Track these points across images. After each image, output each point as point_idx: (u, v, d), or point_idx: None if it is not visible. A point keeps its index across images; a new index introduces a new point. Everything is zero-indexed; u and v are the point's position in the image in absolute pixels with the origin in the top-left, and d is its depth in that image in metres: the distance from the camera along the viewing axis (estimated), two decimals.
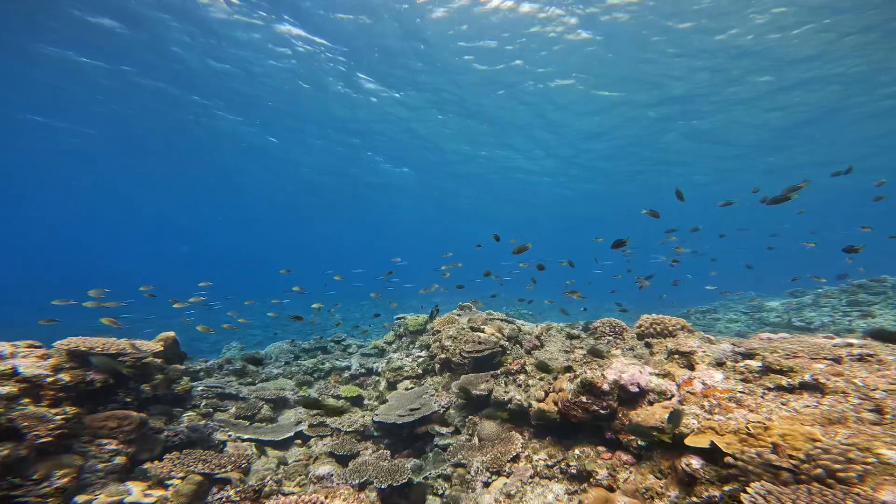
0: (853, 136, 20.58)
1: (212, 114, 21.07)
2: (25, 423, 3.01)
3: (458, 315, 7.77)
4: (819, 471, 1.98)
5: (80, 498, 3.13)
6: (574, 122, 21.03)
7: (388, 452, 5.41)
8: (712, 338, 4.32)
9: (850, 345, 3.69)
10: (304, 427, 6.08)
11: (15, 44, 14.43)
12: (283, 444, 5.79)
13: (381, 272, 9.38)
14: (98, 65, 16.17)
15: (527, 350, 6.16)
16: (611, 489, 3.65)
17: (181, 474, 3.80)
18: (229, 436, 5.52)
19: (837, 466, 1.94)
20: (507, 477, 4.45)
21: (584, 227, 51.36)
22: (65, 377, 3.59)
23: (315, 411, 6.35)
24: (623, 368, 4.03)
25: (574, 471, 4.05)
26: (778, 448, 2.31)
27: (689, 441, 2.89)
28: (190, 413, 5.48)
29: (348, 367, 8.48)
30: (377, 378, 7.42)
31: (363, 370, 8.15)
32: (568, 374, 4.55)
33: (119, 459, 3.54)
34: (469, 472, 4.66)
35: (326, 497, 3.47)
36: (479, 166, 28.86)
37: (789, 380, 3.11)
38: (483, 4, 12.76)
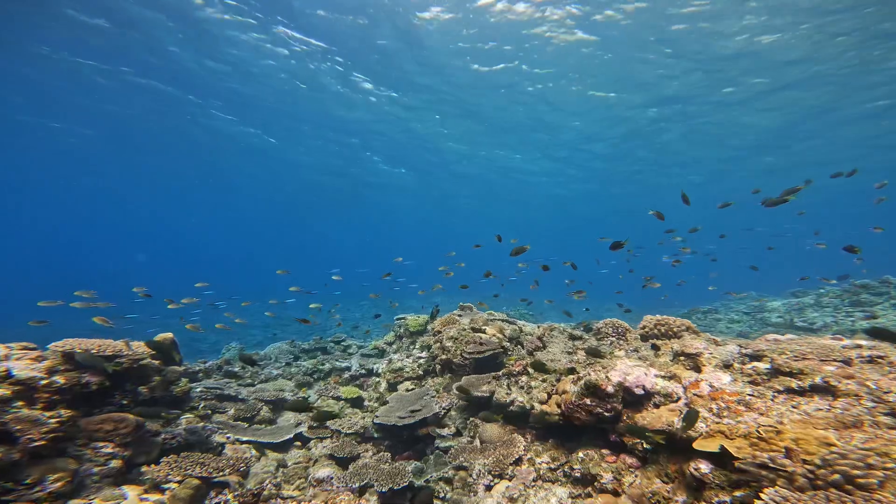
0: (848, 137, 20.59)
1: (209, 114, 21.02)
2: (18, 427, 2.94)
3: (459, 315, 7.70)
4: (837, 476, 1.91)
5: (75, 502, 3.06)
6: (571, 123, 21.04)
7: (389, 455, 5.34)
8: (718, 339, 4.26)
9: (860, 346, 3.62)
10: (303, 429, 6.02)
11: (11, 44, 14.36)
12: (283, 447, 5.72)
13: (384, 272, 9.32)
14: (94, 65, 16.12)
15: (529, 351, 6.10)
16: (616, 493, 3.58)
17: (178, 478, 3.73)
18: (228, 438, 5.45)
19: (857, 472, 1.88)
20: (510, 480, 4.38)
21: (582, 228, 51.38)
22: (60, 379, 3.52)
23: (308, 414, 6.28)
24: (628, 370, 3.97)
25: (578, 474, 3.99)
26: (791, 453, 2.24)
27: (697, 445, 2.82)
28: (188, 415, 5.41)
29: (348, 368, 8.42)
30: (377, 379, 7.35)
31: (363, 371, 8.08)
32: (571, 376, 4.49)
33: (115, 463, 3.47)
34: (471, 475, 4.59)
35: (326, 502, 3.40)
36: (478, 166, 28.86)
37: (799, 382, 3.05)
38: (479, 6, 12.74)
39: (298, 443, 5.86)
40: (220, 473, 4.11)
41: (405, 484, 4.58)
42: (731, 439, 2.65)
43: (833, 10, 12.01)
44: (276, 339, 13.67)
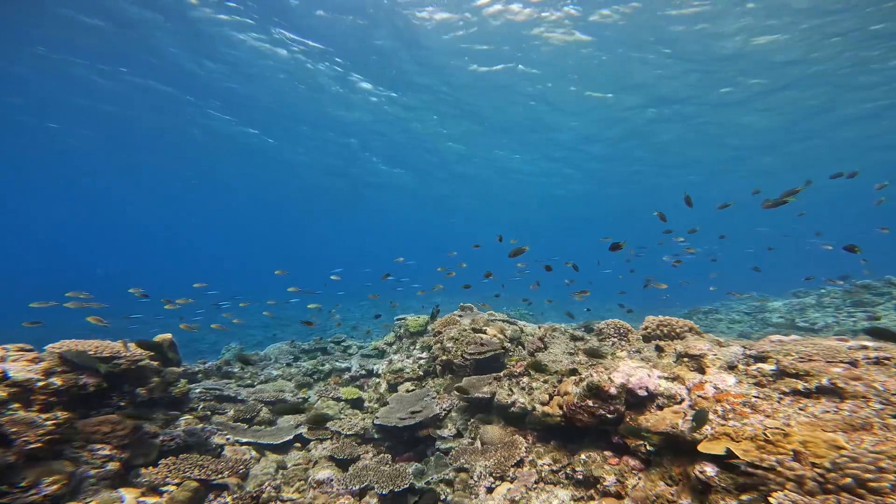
0: (848, 137, 20.58)
1: (207, 114, 20.98)
2: (14, 429, 2.90)
3: (460, 316, 7.66)
4: (848, 480, 1.88)
5: None
6: (569, 123, 21.06)
7: (389, 456, 5.30)
8: (722, 340, 4.22)
9: (865, 347, 3.58)
10: (303, 430, 5.98)
11: (7, 44, 14.32)
12: (283, 448, 5.68)
13: (386, 272, 9.28)
14: (91, 65, 16.08)
15: (530, 352, 6.06)
16: (619, 496, 3.54)
17: (176, 480, 3.69)
18: (227, 439, 5.41)
19: (868, 476, 1.84)
20: (512, 482, 4.34)
21: (582, 228, 51.38)
22: (56, 381, 3.48)
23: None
24: (631, 372, 3.93)
25: (580, 476, 3.94)
26: (800, 456, 2.21)
27: (702, 447, 2.78)
28: (187, 416, 5.36)
29: (348, 369, 8.38)
30: (377, 380, 7.31)
31: (363, 372, 8.05)
32: (573, 377, 4.45)
33: (112, 465, 3.43)
34: (472, 477, 4.55)
35: None
36: (477, 166, 28.87)
37: (805, 384, 3.01)
38: (477, 6, 12.75)
39: (298, 444, 5.82)
40: (219, 476, 4.07)
41: (406, 486, 4.54)
42: (738, 442, 2.61)
43: (829, 10, 12.03)
44: (276, 339, 13.62)
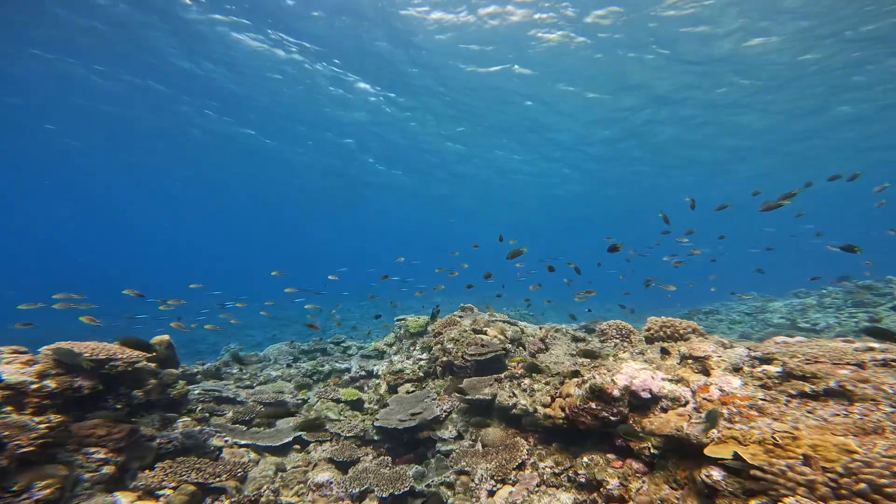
0: (846, 137, 20.56)
1: (204, 115, 20.93)
2: (6, 433, 2.84)
3: (460, 317, 7.61)
4: (862, 486, 1.82)
5: None
6: (567, 124, 21.07)
7: (389, 459, 5.24)
8: (726, 341, 4.17)
9: (872, 349, 3.53)
10: (302, 432, 5.91)
11: (5, 45, 14.28)
12: (282, 450, 5.62)
13: (391, 273, 9.22)
14: (87, 66, 16.03)
15: (531, 353, 6.01)
16: (623, 500, 3.48)
17: (173, 484, 3.64)
18: (226, 441, 5.35)
19: (883, 481, 1.79)
20: (513, 485, 4.28)
21: (581, 228, 51.36)
22: (51, 384, 3.42)
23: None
24: (634, 374, 3.88)
25: (583, 479, 3.89)
26: (810, 460, 2.15)
27: (709, 451, 2.73)
28: (185, 418, 5.30)
29: (348, 370, 8.32)
30: (377, 381, 7.25)
31: (363, 373, 7.98)
32: (576, 379, 4.39)
33: (107, 469, 3.38)
34: (473, 480, 4.50)
35: None
36: (476, 167, 28.86)
37: (813, 386, 2.96)
38: (473, 7, 12.74)
39: (298, 446, 5.76)
40: (217, 479, 4.02)
41: (406, 489, 4.49)
42: (745, 445, 2.56)
43: (826, 11, 12.04)
44: (276, 340, 13.56)
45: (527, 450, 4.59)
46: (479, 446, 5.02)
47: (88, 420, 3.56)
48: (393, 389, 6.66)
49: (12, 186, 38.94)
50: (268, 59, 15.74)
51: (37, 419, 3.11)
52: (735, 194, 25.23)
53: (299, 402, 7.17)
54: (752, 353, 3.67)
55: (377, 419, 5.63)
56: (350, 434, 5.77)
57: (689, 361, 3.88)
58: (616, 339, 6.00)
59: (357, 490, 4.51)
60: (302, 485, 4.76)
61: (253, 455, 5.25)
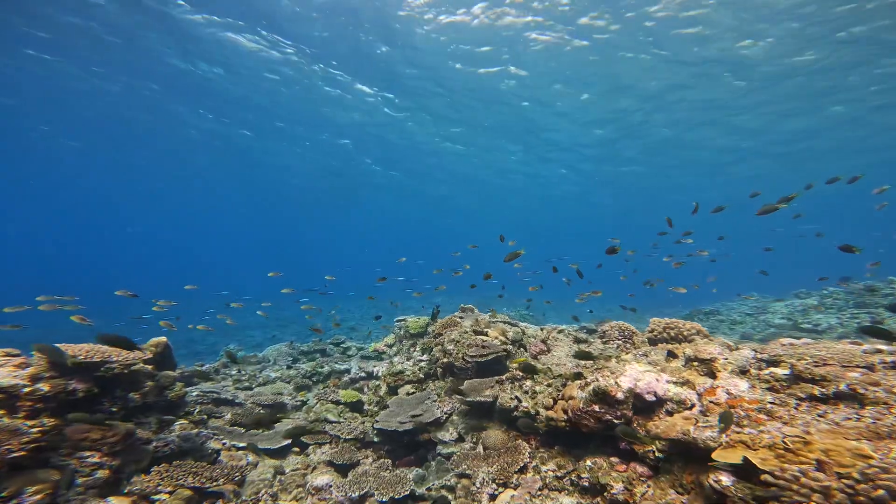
0: (845, 137, 20.53)
1: (201, 116, 20.86)
2: None
3: (461, 318, 7.54)
4: (881, 492, 1.76)
5: None
6: (563, 124, 21.07)
7: (389, 461, 5.18)
8: (731, 343, 4.11)
9: (880, 351, 3.47)
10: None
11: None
12: (281, 452, 5.55)
13: (397, 272, 9.17)
14: (82, 67, 15.95)
15: (533, 355, 5.94)
16: None
17: (169, 488, 3.57)
18: (224, 444, 5.28)
19: None
20: (515, 489, 4.22)
21: (581, 229, 51.32)
22: (44, 387, 3.35)
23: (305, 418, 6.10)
24: (638, 376, 3.81)
25: (586, 483, 3.82)
26: (824, 465, 2.09)
27: (717, 455, 2.67)
28: (182, 421, 5.23)
29: (348, 371, 8.26)
30: (377, 382, 7.19)
31: (363, 374, 7.92)
32: (578, 382, 4.33)
33: (101, 473, 3.31)
34: (474, 484, 4.43)
35: None
36: (475, 167, 28.84)
37: (822, 389, 2.89)
38: (468, 9, 12.72)
39: (297, 448, 5.69)
40: (214, 483, 3.95)
41: (406, 493, 4.42)
42: (755, 450, 2.49)
43: (817, 12, 12.06)
44: (276, 340, 13.48)
45: (529, 453, 4.52)
46: (480, 449, 4.95)
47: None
48: (393, 391, 6.59)
49: (12, 187, 38.83)
50: (265, 59, 15.69)
51: (29, 423, 3.04)
52: (734, 195, 25.21)
53: (298, 403, 7.11)
54: (759, 356, 3.61)
55: (377, 421, 5.56)
56: (350, 436, 5.71)
57: (695, 364, 3.82)
58: (618, 340, 5.94)
59: (357, 494, 4.45)
60: (301, 488, 4.69)
61: (252, 457, 5.18)
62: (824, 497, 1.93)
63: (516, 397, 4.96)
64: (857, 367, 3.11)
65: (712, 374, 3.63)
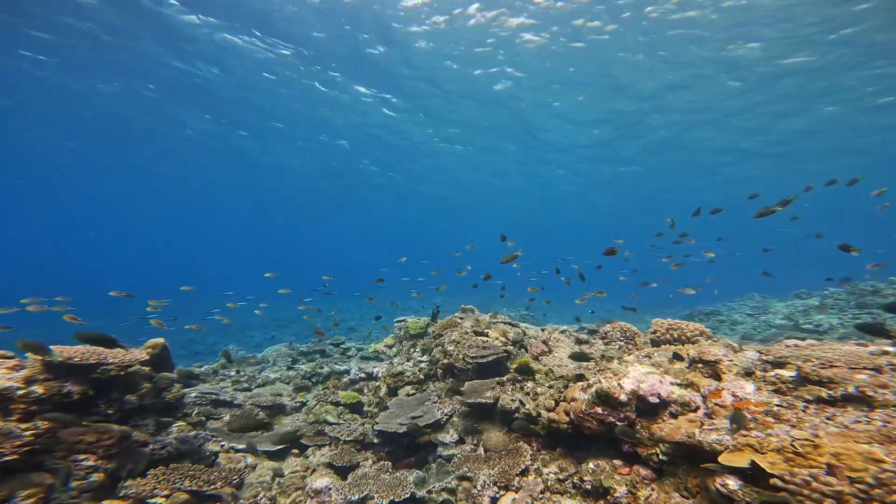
0: (843, 137, 20.51)
1: (199, 117, 20.80)
2: None
3: (461, 318, 7.49)
4: (895, 497, 1.72)
5: None
6: (562, 125, 21.07)
7: (389, 463, 5.12)
8: (735, 345, 4.06)
9: (887, 353, 3.42)
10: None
11: None
12: (280, 454, 5.50)
13: (402, 273, 9.13)
14: (80, 68, 15.89)
15: (534, 356, 5.89)
16: None
17: (165, 492, 3.51)
18: (222, 446, 5.23)
19: None
20: (517, 492, 4.16)
21: (580, 229, 51.28)
22: (38, 389, 3.30)
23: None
24: (641, 378, 3.76)
25: (588, 486, 3.77)
26: (835, 470, 2.04)
27: (724, 459, 2.62)
28: (180, 423, 5.17)
29: (347, 372, 8.20)
30: (377, 383, 7.13)
31: (363, 375, 7.86)
32: (580, 383, 4.28)
33: (96, 476, 3.25)
34: (475, 487, 4.38)
35: None
36: (473, 167, 28.81)
37: (830, 392, 2.85)
38: (464, 11, 12.73)
39: (296, 450, 5.64)
40: (212, 486, 3.89)
41: (406, 496, 4.37)
42: (763, 453, 2.44)
43: (809, 13, 12.06)
44: (276, 340, 13.43)
45: (530, 455, 4.47)
46: (481, 451, 4.90)
47: (78, 426, 3.43)
48: (393, 392, 6.54)
49: (10, 188, 38.72)
50: (262, 60, 15.67)
51: (23, 426, 2.99)
52: (733, 195, 25.21)
53: (298, 404, 7.05)
54: (764, 357, 3.56)
55: (377, 423, 5.51)
56: (349, 438, 5.65)
57: (699, 365, 3.77)
58: (620, 341, 5.89)
59: (356, 496, 4.39)
60: (300, 491, 4.64)
61: (250, 459, 5.13)
62: (837, 502, 1.88)
63: (518, 399, 4.91)
64: (865, 368, 3.06)
65: (717, 376, 3.58)
